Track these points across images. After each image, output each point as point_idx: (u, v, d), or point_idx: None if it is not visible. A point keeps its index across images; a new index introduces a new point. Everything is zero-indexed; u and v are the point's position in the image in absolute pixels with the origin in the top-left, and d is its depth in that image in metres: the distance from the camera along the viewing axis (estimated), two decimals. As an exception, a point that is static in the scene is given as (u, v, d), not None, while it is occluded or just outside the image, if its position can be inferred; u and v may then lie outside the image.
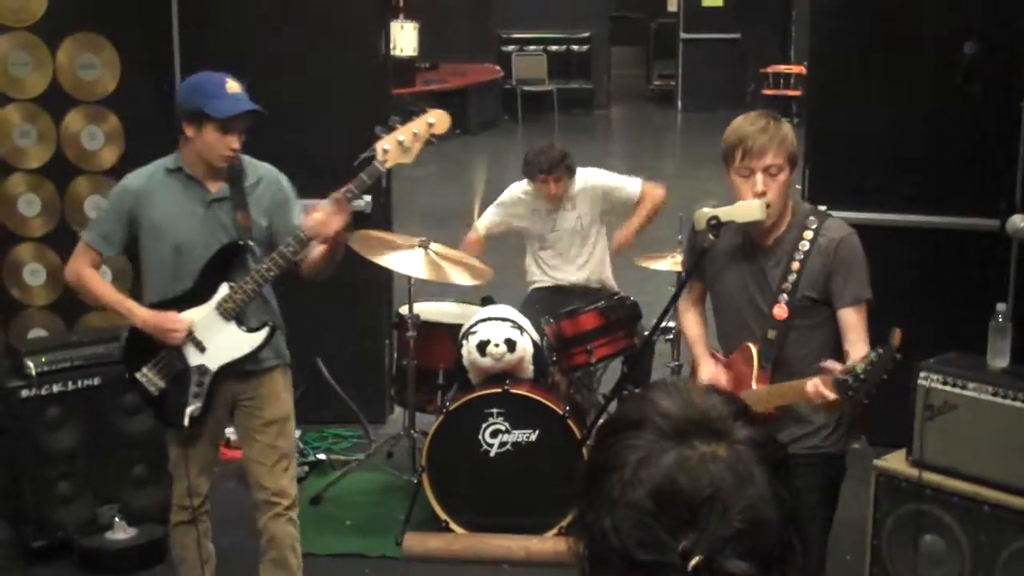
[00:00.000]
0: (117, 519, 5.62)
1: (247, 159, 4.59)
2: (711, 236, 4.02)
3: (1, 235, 6.56)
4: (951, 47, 6.02)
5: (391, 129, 4.44)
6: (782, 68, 19.27)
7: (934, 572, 4.77)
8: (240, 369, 4.61)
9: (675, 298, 4.30)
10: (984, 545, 4.63)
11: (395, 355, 6.59)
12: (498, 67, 19.88)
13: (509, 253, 6.83)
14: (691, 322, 4.43)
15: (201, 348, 4.53)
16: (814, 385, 3.73)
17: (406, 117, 4.49)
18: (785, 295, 4.01)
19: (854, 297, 3.99)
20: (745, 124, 3.97)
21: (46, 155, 6.55)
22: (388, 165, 4.45)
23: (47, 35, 6.44)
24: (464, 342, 5.85)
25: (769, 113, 4.07)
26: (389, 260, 5.94)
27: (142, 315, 4.54)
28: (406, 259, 5.94)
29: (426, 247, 6.00)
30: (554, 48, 21.01)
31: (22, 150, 6.52)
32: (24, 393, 5.53)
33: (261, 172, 4.63)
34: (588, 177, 6.60)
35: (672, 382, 1.56)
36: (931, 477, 4.72)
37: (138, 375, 4.60)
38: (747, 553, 1.37)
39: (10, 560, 5.65)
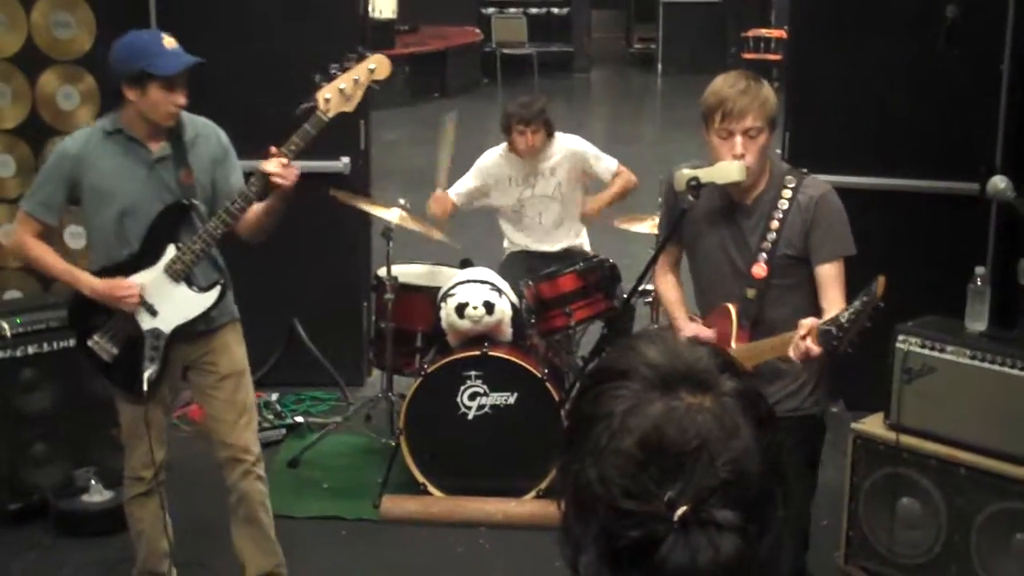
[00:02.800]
0: (93, 481, 5.60)
1: (184, 114, 4.46)
2: (691, 197, 4.00)
3: (-25, 196, 6.52)
4: (932, 10, 6.00)
5: (332, 78, 4.37)
6: (763, 32, 19.22)
7: (911, 535, 4.80)
8: (193, 330, 4.55)
9: (654, 260, 4.28)
10: (961, 508, 4.66)
11: (373, 318, 6.57)
12: (478, 30, 19.79)
13: (488, 216, 6.79)
14: (668, 286, 4.41)
15: (153, 312, 4.46)
16: (797, 342, 3.71)
17: (346, 64, 4.40)
18: (764, 254, 4.02)
19: (832, 252, 3.99)
20: (725, 86, 3.95)
21: (21, 115, 6.49)
22: (331, 114, 4.36)
23: (21, -6, 6.38)
24: (442, 304, 5.83)
25: (749, 74, 4.05)
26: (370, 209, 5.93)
27: (91, 283, 4.46)
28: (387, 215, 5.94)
29: (405, 209, 5.98)
30: (534, 11, 20.92)
31: (-4, 110, 6.46)
32: (-1, 355, 5.50)
33: (199, 127, 4.54)
34: (569, 144, 6.55)
35: (657, 333, 1.56)
36: (908, 440, 4.74)
37: (89, 342, 4.53)
38: (732, 503, 1.38)
39: (-14, 522, 5.64)
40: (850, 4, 6.45)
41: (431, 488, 5.80)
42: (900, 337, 4.76)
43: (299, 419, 6.66)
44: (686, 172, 4.02)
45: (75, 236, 6.64)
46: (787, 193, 4.02)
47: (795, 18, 7.12)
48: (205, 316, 4.55)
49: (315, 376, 6.97)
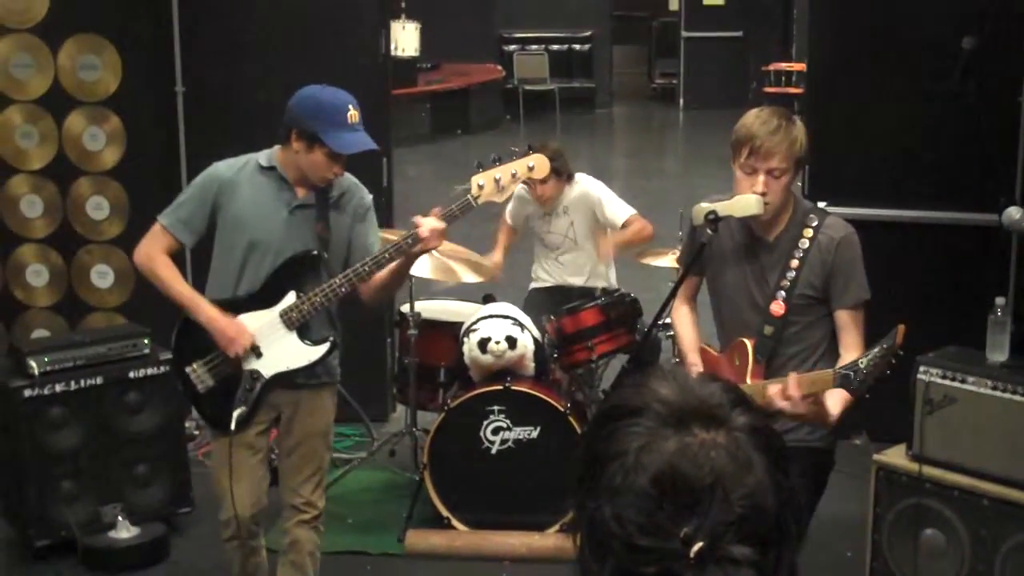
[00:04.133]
0: (120, 518, 5.63)
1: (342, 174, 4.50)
2: (709, 231, 4.03)
3: (4, 236, 6.59)
4: (949, 43, 6.03)
5: (492, 165, 4.42)
6: (783, 66, 19.24)
7: (935, 566, 4.78)
8: (292, 381, 4.53)
9: (673, 293, 4.30)
10: (984, 539, 4.64)
11: (397, 353, 6.60)
12: (499, 67, 19.88)
13: (511, 251, 6.83)
14: (683, 321, 4.42)
15: (258, 353, 4.45)
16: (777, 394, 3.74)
17: (508, 157, 4.43)
18: (783, 292, 4.03)
19: (853, 299, 4.01)
20: (757, 122, 3.96)
21: (48, 156, 6.58)
22: (481, 201, 4.41)
23: (49, 36, 6.48)
24: (465, 340, 5.86)
25: (783, 112, 4.04)
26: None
27: (209, 314, 4.41)
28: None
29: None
30: (556, 47, 21.01)
31: (24, 151, 6.55)
32: (27, 393, 5.53)
33: (345, 186, 4.54)
34: (587, 186, 6.59)
35: (669, 370, 1.57)
36: (931, 471, 4.73)
37: (188, 369, 4.52)
38: (747, 538, 1.39)
39: (13, 559, 5.67)
40: (868, 37, 6.49)
41: (455, 522, 5.81)
42: (921, 368, 4.77)
43: (324, 455, 6.68)
44: (704, 206, 4.04)
45: (102, 275, 6.72)
46: (808, 232, 4.02)
47: (814, 52, 7.15)
48: (308, 369, 4.52)
49: (339, 412, 6.91)
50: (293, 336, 4.45)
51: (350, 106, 4.34)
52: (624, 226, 6.54)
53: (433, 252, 5.60)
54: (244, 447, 4.54)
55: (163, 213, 4.54)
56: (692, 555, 1.37)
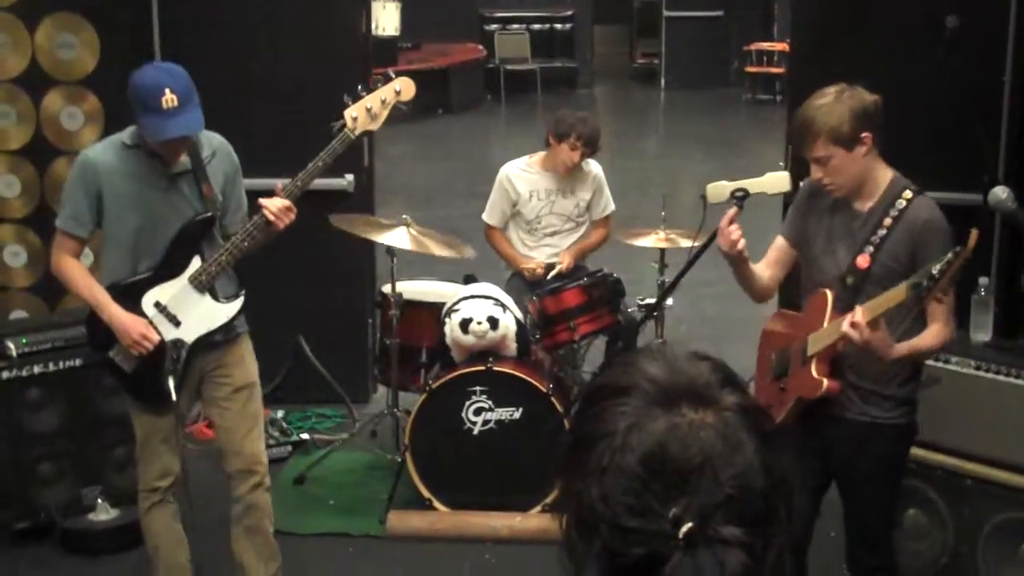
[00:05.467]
0: (99, 500, 5.61)
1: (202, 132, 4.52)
2: (737, 207, 4.11)
3: (-19, 217, 6.53)
4: (933, 20, 6.00)
5: (359, 98, 4.57)
6: (765, 45, 19.24)
7: (918, 546, 4.79)
8: (211, 340, 4.61)
9: (683, 272, 4.30)
10: (967, 518, 4.65)
11: (378, 334, 6.58)
12: (481, 46, 19.82)
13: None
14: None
15: (176, 322, 4.53)
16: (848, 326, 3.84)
17: (373, 86, 4.61)
18: (871, 247, 4.06)
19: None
20: (799, 112, 4.05)
21: (25, 136, 6.51)
22: (358, 132, 4.57)
23: (25, 15, 6.40)
24: (447, 320, 5.84)
25: (830, 93, 4.04)
26: (372, 236, 5.94)
27: (111, 311, 4.46)
28: (389, 237, 5.94)
29: (408, 225, 5.98)
30: (537, 27, 20.96)
31: (2, 131, 6.48)
32: (5, 375, 5.51)
33: (215, 144, 4.60)
34: (595, 169, 6.60)
35: (658, 348, 1.55)
36: (914, 451, 4.72)
37: (111, 354, 4.56)
38: (736, 519, 1.37)
39: (-8, 542, 5.64)
40: (851, 16, 6.46)
41: (437, 503, 5.80)
42: (904, 348, 4.76)
43: (305, 436, 6.67)
44: (724, 184, 4.16)
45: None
46: (901, 203, 4.05)
47: (797, 31, 7.14)
48: (226, 326, 4.61)
49: (321, 393, 6.97)
50: (207, 298, 4.55)
51: (166, 89, 4.23)
52: (597, 223, 6.56)
53: (410, 230, 5.85)
54: (173, 416, 4.59)
55: (57, 218, 4.60)
56: (681, 536, 1.35)
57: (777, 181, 4.06)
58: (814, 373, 4.06)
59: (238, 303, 4.61)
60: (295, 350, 6.96)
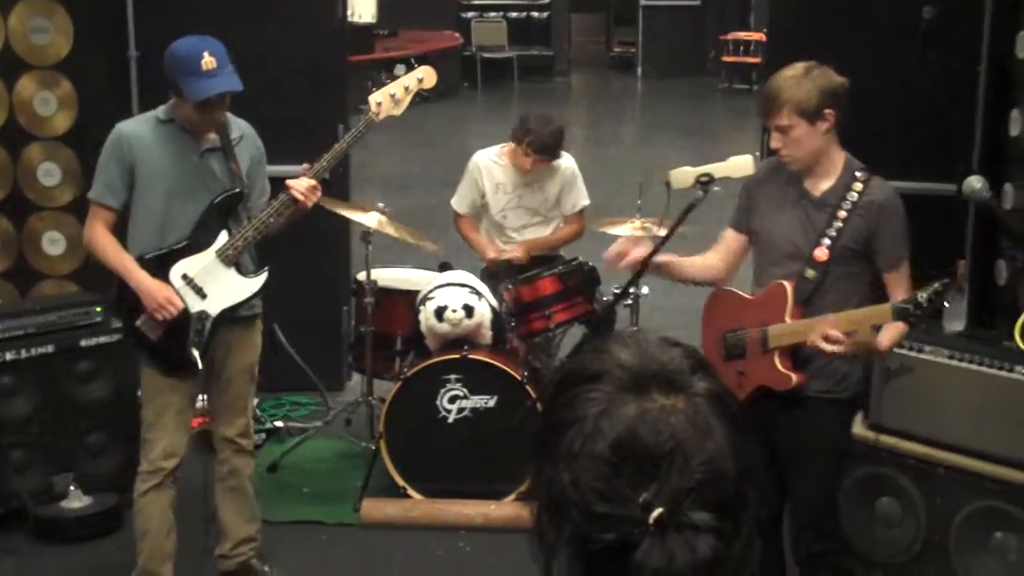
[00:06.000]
0: (72, 487, 5.58)
1: (228, 114, 4.72)
2: (701, 192, 4.20)
3: (-47, 202, 6.49)
4: (910, 12, 6.02)
5: (383, 84, 4.88)
6: (742, 35, 19.27)
7: (890, 534, 4.81)
8: (235, 315, 4.76)
9: (652, 253, 4.31)
10: (939, 507, 4.67)
11: (353, 322, 6.56)
12: (457, 34, 19.79)
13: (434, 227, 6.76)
14: (696, 258, 4.49)
15: (202, 294, 4.67)
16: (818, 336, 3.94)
17: (397, 73, 4.86)
18: (828, 239, 4.12)
19: (898, 258, 4.14)
20: (772, 80, 4.13)
21: (-2, 121, 6.47)
22: (381, 117, 4.84)
23: (-2, -1, 6.36)
24: (422, 308, 5.83)
25: (803, 67, 4.12)
26: (348, 214, 5.93)
27: (138, 278, 4.59)
28: (364, 218, 5.93)
29: (383, 213, 5.97)
30: (514, 15, 20.96)
31: (-27, 116, 6.44)
32: (-24, 361, 5.47)
33: (243, 128, 4.80)
34: (566, 163, 6.49)
35: (629, 334, 1.55)
36: (887, 440, 4.75)
37: (137, 323, 4.67)
38: (707, 504, 1.37)
39: (-36, 529, 5.61)
40: (828, 6, 6.47)
41: (411, 491, 5.79)
42: (878, 337, 4.77)
43: (279, 424, 6.66)
44: (689, 170, 4.23)
45: (53, 242, 6.63)
46: (858, 186, 4.14)
47: (774, 21, 7.14)
48: (249, 302, 4.78)
49: (295, 381, 6.95)
50: (232, 272, 4.71)
51: (205, 52, 4.49)
52: (569, 217, 6.52)
53: (383, 218, 5.90)
54: (183, 390, 4.75)
55: (90, 191, 4.73)
56: (651, 521, 1.35)
57: (741, 165, 4.11)
58: (780, 367, 4.15)
59: (262, 278, 4.77)
60: (269, 338, 6.92)
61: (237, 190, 4.67)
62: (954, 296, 4.83)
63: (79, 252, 6.65)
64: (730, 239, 4.44)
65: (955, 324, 4.83)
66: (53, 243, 6.63)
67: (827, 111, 4.07)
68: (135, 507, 4.87)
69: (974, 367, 4.59)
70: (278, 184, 4.83)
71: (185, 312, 4.63)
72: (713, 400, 1.45)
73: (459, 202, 6.56)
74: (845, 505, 4.87)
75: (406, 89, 4.86)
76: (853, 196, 4.11)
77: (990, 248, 6.06)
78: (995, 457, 4.54)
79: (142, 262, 4.62)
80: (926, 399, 4.70)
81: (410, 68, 4.93)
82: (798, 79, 4.05)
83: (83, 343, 5.71)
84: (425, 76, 4.92)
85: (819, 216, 4.15)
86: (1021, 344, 4.17)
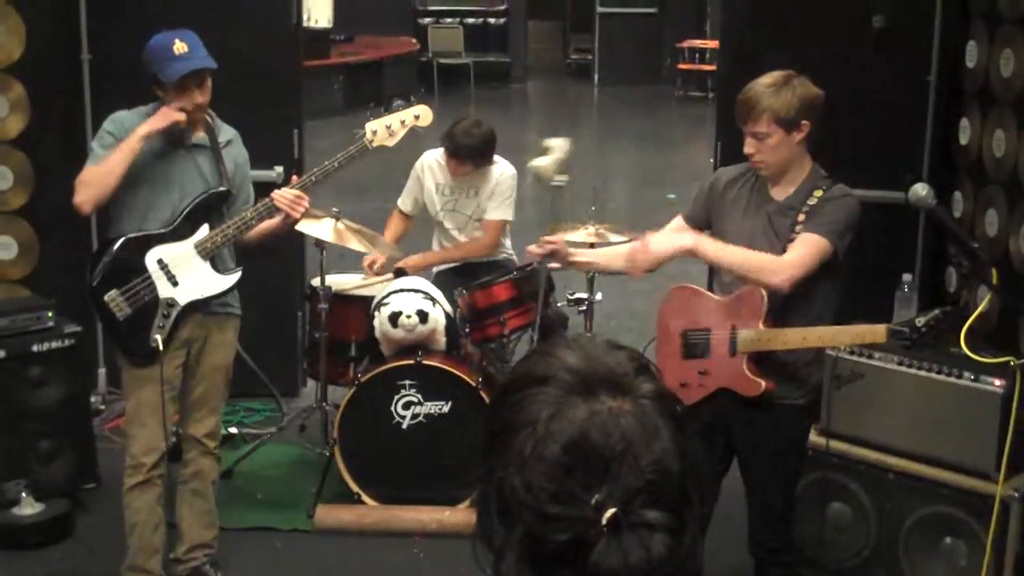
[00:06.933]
0: (23, 494, 5.53)
1: (217, 119, 4.87)
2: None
3: (-97, 206, 6.43)
4: (861, 20, 6.08)
5: (381, 115, 5.01)
6: (697, 43, 19.38)
7: (841, 538, 4.85)
8: (205, 309, 4.85)
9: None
10: (889, 512, 4.71)
11: (307, 327, 6.55)
12: (414, 40, 19.79)
13: (421, 224, 6.76)
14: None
15: (174, 282, 4.76)
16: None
17: (396, 106, 5.09)
18: (790, 245, 4.13)
19: (815, 227, 4.10)
20: (751, 86, 4.15)
21: (-51, 125, 6.42)
22: (374, 144, 4.96)
23: (-51, 2, 6.31)
24: (376, 314, 5.82)
25: (781, 76, 4.15)
26: (301, 226, 5.89)
27: (145, 127, 4.63)
28: (317, 229, 5.91)
29: (338, 219, 5.95)
30: (471, 21, 20.99)
31: (-77, 119, 6.39)
32: (-74, 366, 5.43)
33: (230, 134, 4.94)
34: (501, 171, 6.44)
35: (574, 338, 1.57)
36: (838, 445, 4.78)
37: (106, 297, 4.73)
38: (656, 503, 1.40)
39: (-87, 536, 5.55)
40: (781, 15, 6.51)
41: (365, 498, 5.79)
42: (829, 344, 4.81)
43: (233, 430, 6.61)
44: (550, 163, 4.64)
45: (5, 247, 6.59)
46: (818, 193, 4.17)
47: (726, 29, 7.18)
48: (220, 299, 4.88)
49: (249, 386, 6.91)
50: (207, 266, 4.81)
51: (176, 40, 4.66)
52: (483, 229, 6.46)
53: (339, 224, 5.89)
54: (158, 383, 4.75)
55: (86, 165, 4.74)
56: (605, 521, 1.37)
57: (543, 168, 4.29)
58: (748, 373, 4.18)
59: (235, 277, 4.89)
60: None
61: (224, 189, 4.80)
62: (903, 302, 4.89)
63: (31, 257, 6.62)
64: (679, 229, 4.45)
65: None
66: (5, 248, 6.58)
67: (804, 122, 4.12)
68: (124, 502, 4.92)
69: (923, 373, 4.63)
70: (263, 192, 4.93)
71: (153, 296, 4.73)
72: (658, 401, 1.47)
73: (403, 199, 6.59)
74: (797, 510, 4.90)
75: (402, 123, 4.99)
76: (812, 201, 4.15)
77: (939, 256, 6.13)
78: (944, 463, 4.58)
79: (122, 242, 4.73)
80: (876, 405, 4.74)
81: (408, 103, 5.18)
82: (777, 88, 4.09)
83: (35, 348, 5.67)
84: (422, 114, 5.05)
85: (782, 221, 4.18)
86: (967, 351, 4.21)
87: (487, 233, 6.46)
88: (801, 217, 4.13)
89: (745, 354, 4.17)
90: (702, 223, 4.42)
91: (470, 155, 6.26)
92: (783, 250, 4.12)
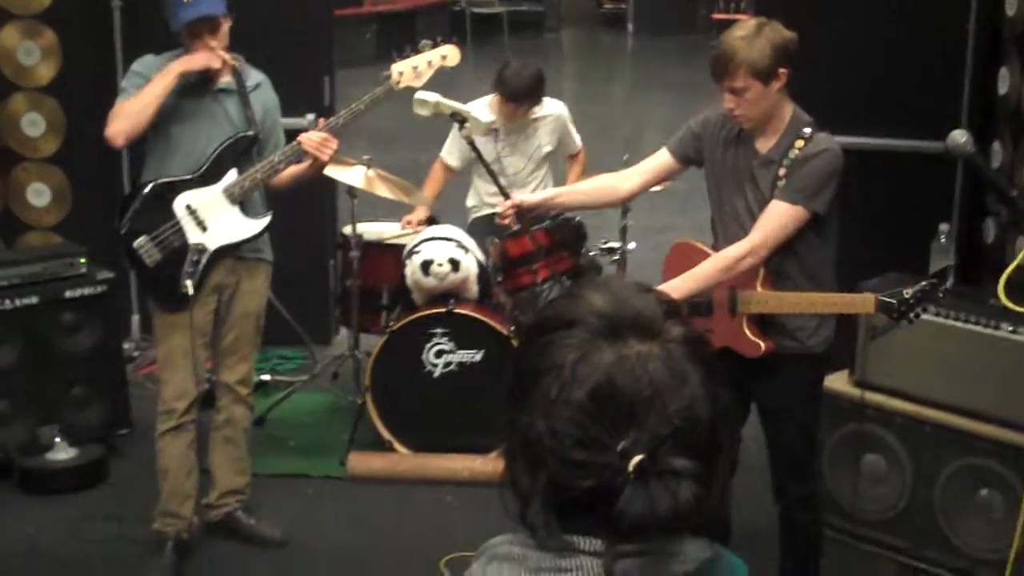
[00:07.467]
0: (57, 439, 5.57)
1: (245, 63, 4.85)
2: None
3: (-63, 153, 6.45)
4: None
5: (407, 56, 4.95)
6: (733, -9, 19.19)
7: (876, 491, 4.81)
8: (235, 255, 4.84)
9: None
10: (925, 464, 4.67)
11: (339, 275, 6.54)
12: (447, -12, 19.67)
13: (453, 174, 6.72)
14: (595, 179, 4.57)
15: (203, 227, 4.75)
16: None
17: (422, 47, 4.99)
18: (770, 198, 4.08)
19: (791, 196, 4.02)
20: (723, 40, 4.03)
21: (-20, 71, 6.42)
22: (401, 86, 4.93)
23: (-19, -52, 6.29)
24: (408, 262, 5.81)
25: (751, 25, 4.04)
26: (331, 171, 5.88)
27: (180, 64, 4.63)
28: (348, 175, 5.89)
29: (369, 166, 5.93)
30: (504, -30, 20.83)
31: (-44, 66, 6.39)
32: (-40, 312, 5.45)
33: (259, 78, 4.91)
34: (555, 108, 6.55)
35: (603, 280, 1.55)
36: (873, 397, 4.74)
37: (136, 244, 4.73)
38: (684, 450, 1.38)
39: (-52, 481, 5.60)
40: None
41: (397, 445, 5.80)
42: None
43: (265, 377, 6.64)
44: (433, 98, 5.06)
45: (38, 193, 6.60)
46: (800, 143, 4.07)
47: (763, -24, 7.08)
48: (250, 244, 4.86)
49: (281, 334, 6.91)
50: (236, 210, 4.78)
51: None
52: (572, 158, 6.56)
53: (368, 171, 5.88)
54: (188, 329, 4.74)
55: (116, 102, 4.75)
56: (631, 468, 1.35)
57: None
58: (748, 334, 4.14)
59: (264, 221, 4.86)
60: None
61: (251, 133, 4.77)
62: (939, 253, 4.83)
63: (64, 203, 6.63)
64: (662, 161, 4.37)
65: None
66: (38, 194, 6.59)
67: (781, 70, 4.00)
68: (156, 447, 4.94)
69: (960, 324, 4.58)
70: (293, 138, 4.88)
71: (183, 242, 4.72)
72: (687, 345, 1.45)
73: (449, 152, 6.55)
74: (830, 462, 4.88)
75: (429, 64, 4.94)
76: (794, 153, 4.05)
77: (976, 205, 6.06)
78: (981, 415, 4.53)
79: (150, 187, 4.73)
80: (912, 357, 4.69)
81: (435, 44, 5.00)
82: (750, 39, 3.96)
83: (67, 294, 5.69)
84: (449, 54, 5.00)
85: (764, 174, 4.10)
86: (1006, 301, 4.15)
87: (579, 162, 6.66)
88: (782, 171, 4.04)
89: (745, 315, 4.13)
90: (691, 160, 4.33)
91: (528, 95, 6.31)
92: (765, 202, 4.05)
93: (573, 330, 1.45)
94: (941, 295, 3.94)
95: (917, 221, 5.58)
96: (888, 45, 6.26)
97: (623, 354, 1.41)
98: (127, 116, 4.63)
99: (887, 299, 3.91)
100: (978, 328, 4.53)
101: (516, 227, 4.74)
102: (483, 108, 6.41)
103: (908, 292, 3.88)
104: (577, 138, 6.66)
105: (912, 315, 3.97)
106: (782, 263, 4.11)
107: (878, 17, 6.23)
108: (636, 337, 1.43)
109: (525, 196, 4.54)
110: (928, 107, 6.17)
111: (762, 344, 4.13)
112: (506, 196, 4.76)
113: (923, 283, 3.88)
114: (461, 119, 5.29)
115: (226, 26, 4.70)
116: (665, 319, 1.46)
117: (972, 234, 6.01)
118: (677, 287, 4.06)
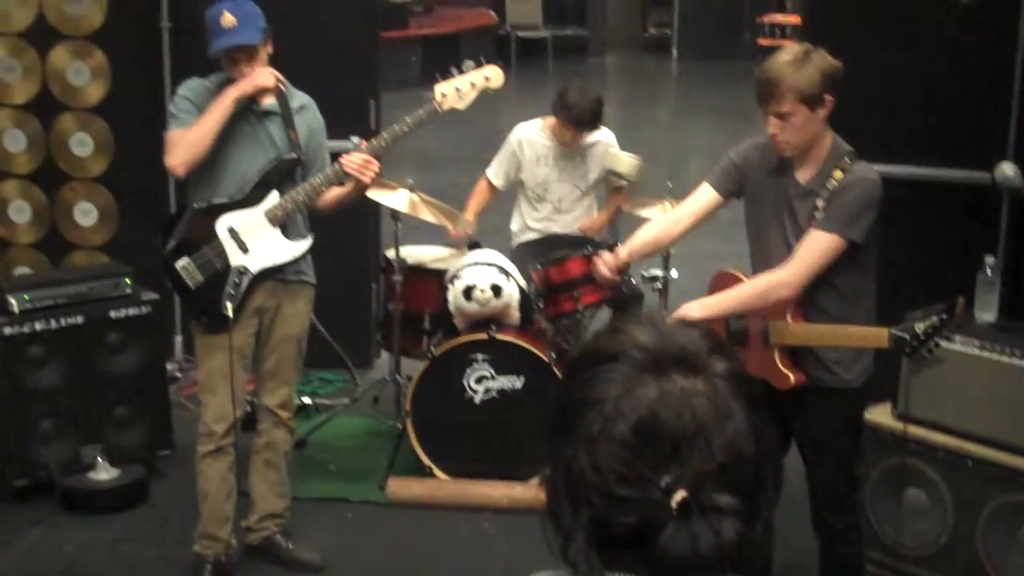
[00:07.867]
0: (100, 459, 5.60)
1: (289, 85, 4.85)
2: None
3: (-13, 172, 6.52)
4: (947, -4, 5.95)
5: (451, 77, 4.93)
6: (779, 18, 19.15)
7: (917, 526, 4.78)
8: (277, 277, 4.86)
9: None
10: (967, 499, 4.63)
11: (381, 299, 6.55)
12: (492, 12, 19.71)
13: (497, 199, 6.73)
14: (655, 222, 4.59)
15: (245, 249, 4.78)
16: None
17: (466, 68, 4.95)
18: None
19: (831, 225, 3.99)
20: (768, 65, 4.01)
21: (31, 91, 6.50)
22: (444, 108, 4.91)
23: (33, -31, 6.37)
24: (450, 287, 5.81)
25: (799, 51, 4.02)
26: (376, 195, 5.91)
27: (238, 88, 4.67)
28: (391, 199, 5.91)
29: (412, 189, 5.95)
30: (549, -7, 20.84)
31: (7, 85, 6.47)
32: (7, 331, 5.50)
33: (304, 100, 4.90)
34: (603, 135, 6.48)
35: (646, 315, 1.54)
36: (916, 431, 4.71)
37: (178, 265, 4.77)
38: (728, 487, 1.37)
39: (-9, 498, 5.64)
40: (865, -11, 6.40)
41: (437, 471, 5.79)
42: (909, 326, 4.73)
43: (307, 400, 6.66)
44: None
45: (85, 213, 6.65)
46: (839, 174, 4.04)
47: (809, 4, 7.07)
48: (291, 265, 4.87)
49: (323, 357, 6.93)
50: (277, 232, 4.80)
51: (224, 11, 4.62)
52: (617, 187, 6.50)
53: (412, 195, 5.94)
54: (228, 351, 4.75)
55: (169, 129, 4.77)
56: (675, 505, 1.35)
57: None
58: (780, 366, 4.11)
59: (306, 244, 4.88)
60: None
61: (294, 155, 4.78)
62: (986, 286, 4.79)
63: (111, 223, 6.69)
64: (707, 198, 4.35)
65: (986, 315, 4.78)
66: (85, 214, 6.65)
67: (827, 97, 3.99)
68: (197, 468, 4.96)
69: (1005, 359, 4.54)
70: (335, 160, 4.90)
71: (225, 264, 4.75)
72: (732, 381, 1.44)
73: (495, 173, 6.53)
74: (871, 496, 4.84)
75: (472, 85, 4.92)
76: (832, 184, 4.02)
77: (1023, 238, 6.01)
78: (1024, 450, 4.50)
79: (193, 210, 4.78)
80: (956, 390, 4.66)
81: (479, 64, 4.98)
82: (798, 64, 3.95)
83: (112, 314, 5.73)
84: (492, 76, 4.97)
85: (802, 206, 4.08)
86: (1052, 336, 4.13)
87: (623, 198, 6.55)
88: (820, 203, 4.01)
89: (777, 346, 4.10)
90: (732, 194, 4.30)
91: (592, 121, 6.27)
92: (802, 231, 4.02)
93: (616, 364, 1.44)
94: (953, 329, 3.90)
95: (964, 253, 5.55)
96: (934, 75, 6.22)
97: (666, 389, 1.40)
98: (187, 146, 4.65)
99: (899, 333, 3.88)
100: (1022, 362, 4.49)
101: (615, 281, 4.68)
102: (536, 131, 6.42)
103: (920, 327, 3.85)
104: (625, 167, 6.46)
105: (925, 350, 3.93)
106: (817, 294, 4.08)
107: (926, 45, 6.20)
108: (680, 372, 1.42)
109: (621, 252, 4.49)
110: (975, 138, 6.13)
111: (791, 376, 4.10)
112: (610, 249, 4.73)
113: (934, 317, 3.84)
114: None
115: (264, 53, 4.73)
116: (710, 354, 1.45)
117: (1018, 267, 5.96)
118: (710, 305, 4.09)
